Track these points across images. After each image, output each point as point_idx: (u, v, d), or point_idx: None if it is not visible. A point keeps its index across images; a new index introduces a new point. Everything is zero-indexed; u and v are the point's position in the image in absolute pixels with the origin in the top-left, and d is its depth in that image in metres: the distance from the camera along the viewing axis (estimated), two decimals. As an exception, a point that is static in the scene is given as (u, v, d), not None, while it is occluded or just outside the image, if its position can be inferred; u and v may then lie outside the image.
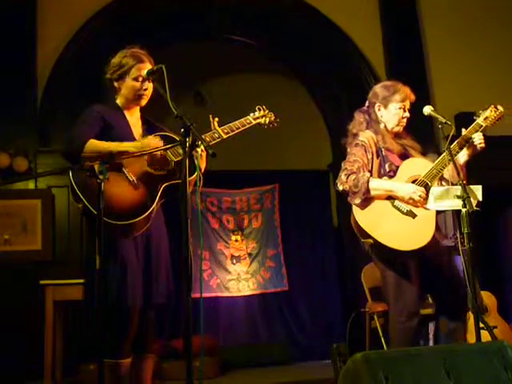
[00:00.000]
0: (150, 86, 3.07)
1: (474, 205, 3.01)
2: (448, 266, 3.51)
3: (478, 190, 3.14)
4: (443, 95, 6.60)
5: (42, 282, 4.90)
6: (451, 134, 3.27)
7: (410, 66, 6.66)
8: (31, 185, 5.81)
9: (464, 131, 3.51)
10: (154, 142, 2.96)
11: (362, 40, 6.79)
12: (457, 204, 3.03)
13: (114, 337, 2.80)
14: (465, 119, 6.34)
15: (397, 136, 3.60)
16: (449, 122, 3.33)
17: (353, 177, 3.35)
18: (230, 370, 5.92)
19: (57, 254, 5.68)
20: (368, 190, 3.33)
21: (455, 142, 3.46)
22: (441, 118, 3.35)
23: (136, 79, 3.05)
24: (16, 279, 5.46)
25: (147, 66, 3.04)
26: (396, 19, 6.92)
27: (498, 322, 5.18)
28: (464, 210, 2.97)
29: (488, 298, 5.27)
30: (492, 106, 3.57)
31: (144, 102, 3.12)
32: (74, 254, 5.47)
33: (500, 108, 3.57)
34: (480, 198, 3.12)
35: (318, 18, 6.72)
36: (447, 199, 3.09)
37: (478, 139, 3.46)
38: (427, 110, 3.48)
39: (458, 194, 3.01)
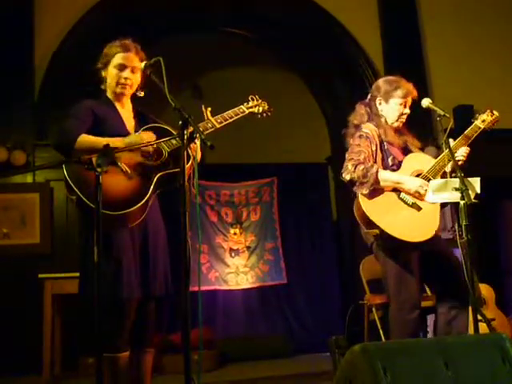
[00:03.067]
0: (132, 76, 3.05)
1: (473, 197, 3.02)
2: (446, 252, 3.54)
3: (476, 183, 3.15)
4: (442, 88, 6.60)
5: (40, 275, 4.91)
6: (449, 127, 3.29)
7: (408, 59, 6.66)
8: (29, 178, 5.81)
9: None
10: (147, 136, 2.95)
11: (360, 33, 6.77)
12: (455, 196, 3.04)
13: (110, 330, 2.79)
14: (463, 112, 6.41)
15: (397, 131, 3.62)
16: (447, 115, 3.35)
17: (361, 167, 3.37)
18: (229, 363, 5.92)
19: (55, 248, 5.69)
20: (377, 181, 3.37)
21: (456, 140, 3.50)
22: (439, 111, 3.37)
23: (116, 67, 3.04)
24: (14, 273, 5.46)
25: (132, 57, 3.04)
26: (395, 11, 6.90)
27: (495, 314, 5.19)
28: (462, 203, 2.98)
29: (486, 290, 5.28)
30: (488, 111, 3.64)
31: (127, 91, 3.09)
32: (72, 248, 5.47)
33: (495, 113, 3.66)
34: (478, 191, 3.13)
35: (317, 11, 6.71)
36: (445, 192, 3.10)
37: (461, 154, 3.50)
38: (426, 102, 3.50)
39: (457, 186, 3.02)
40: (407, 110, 3.58)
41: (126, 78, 3.05)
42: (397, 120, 3.58)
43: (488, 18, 7.10)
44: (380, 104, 3.61)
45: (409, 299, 3.36)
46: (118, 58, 3.04)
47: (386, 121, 3.60)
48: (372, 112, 3.63)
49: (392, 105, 3.57)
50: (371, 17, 6.88)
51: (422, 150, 3.68)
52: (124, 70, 3.04)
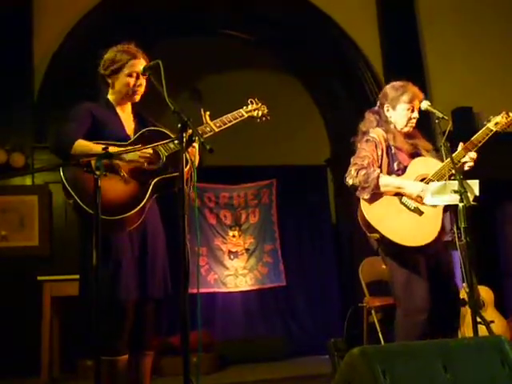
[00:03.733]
0: (143, 82, 3.06)
1: (471, 199, 3.01)
2: (448, 267, 3.53)
3: (474, 185, 3.15)
4: (440, 90, 6.60)
5: (39, 277, 4.91)
6: (448, 129, 3.28)
7: (407, 61, 6.66)
8: (28, 181, 5.81)
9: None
10: (142, 153, 2.93)
11: (359, 35, 6.78)
12: (454, 199, 3.03)
13: (109, 333, 2.79)
14: (462, 114, 6.41)
15: (408, 136, 3.61)
16: (446, 117, 3.34)
17: (363, 172, 3.38)
18: (228, 366, 5.92)
19: (54, 250, 5.68)
20: (378, 186, 3.37)
21: (462, 146, 3.47)
22: (438, 113, 3.36)
23: (130, 75, 3.04)
24: (13, 275, 5.46)
25: (141, 63, 3.04)
26: (394, 14, 6.91)
27: (495, 316, 5.20)
28: (461, 205, 2.97)
29: (485, 292, 5.28)
30: (504, 113, 3.57)
31: (138, 98, 3.11)
32: (71, 250, 5.46)
33: (511, 114, 3.58)
34: (477, 193, 3.12)
35: (317, 14, 6.71)
36: (444, 194, 3.09)
37: (470, 158, 3.48)
38: (424, 104, 3.49)
39: (455, 188, 3.02)
40: (416, 114, 3.56)
41: (139, 86, 3.07)
42: (406, 125, 3.57)
43: (487, 19, 7.11)
44: (388, 111, 3.61)
45: (417, 303, 3.34)
46: (131, 67, 3.04)
47: (395, 127, 3.59)
48: (381, 119, 3.63)
49: (399, 111, 3.56)
50: (370, 19, 6.88)
51: (435, 151, 3.66)
52: (138, 78, 3.05)
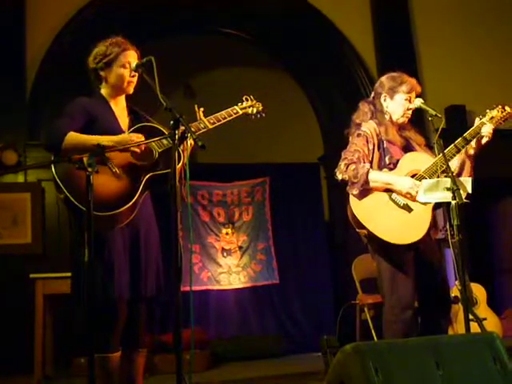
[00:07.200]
0: (135, 73, 3.04)
1: (464, 197, 3.01)
2: (438, 264, 3.53)
3: (467, 182, 3.14)
4: (434, 88, 6.60)
5: (32, 275, 4.88)
6: (441, 127, 3.27)
7: (400, 58, 6.65)
8: (21, 178, 5.79)
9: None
10: (136, 136, 2.92)
11: (352, 32, 6.79)
12: (446, 196, 3.03)
13: (101, 330, 2.78)
14: (455, 112, 6.43)
15: (401, 128, 3.58)
16: (439, 115, 3.32)
17: (352, 167, 3.34)
18: (221, 363, 5.92)
19: (47, 248, 5.67)
20: (367, 182, 3.33)
21: (453, 144, 3.45)
22: (431, 111, 3.34)
23: (124, 66, 3.01)
24: (6, 273, 5.44)
25: (133, 54, 3.03)
26: (387, 11, 6.92)
27: (487, 313, 5.22)
28: (454, 202, 2.97)
29: (478, 290, 5.31)
30: (499, 107, 3.55)
31: (132, 89, 3.08)
32: (63, 248, 5.46)
33: (507, 109, 3.54)
34: (470, 191, 3.12)
35: (311, 12, 6.72)
36: (437, 191, 3.09)
37: (488, 131, 3.42)
38: (417, 102, 3.47)
39: (448, 186, 3.01)
40: (412, 105, 3.55)
41: (133, 76, 3.04)
42: (403, 115, 3.53)
43: (482, 17, 7.13)
44: (385, 100, 3.56)
45: (402, 299, 3.32)
46: (123, 57, 3.01)
47: (390, 118, 3.55)
48: (376, 109, 3.58)
49: (398, 100, 3.53)
50: (364, 17, 6.89)
51: (428, 146, 3.65)
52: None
